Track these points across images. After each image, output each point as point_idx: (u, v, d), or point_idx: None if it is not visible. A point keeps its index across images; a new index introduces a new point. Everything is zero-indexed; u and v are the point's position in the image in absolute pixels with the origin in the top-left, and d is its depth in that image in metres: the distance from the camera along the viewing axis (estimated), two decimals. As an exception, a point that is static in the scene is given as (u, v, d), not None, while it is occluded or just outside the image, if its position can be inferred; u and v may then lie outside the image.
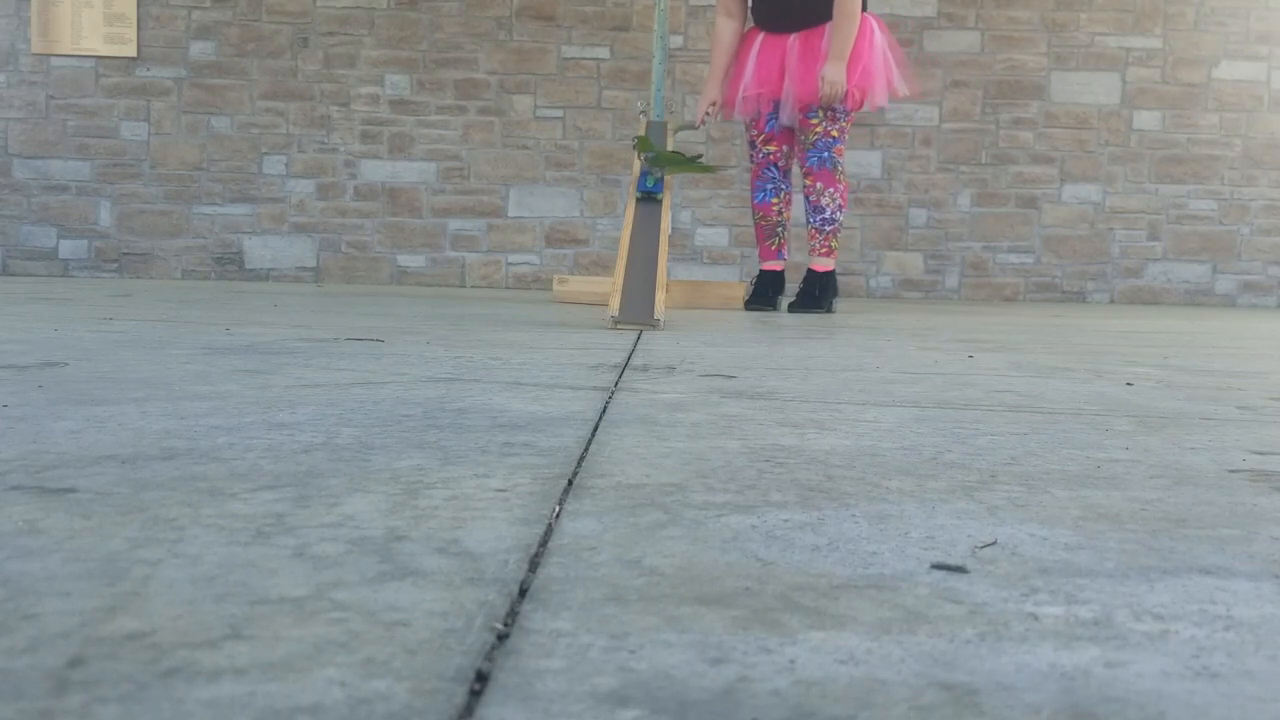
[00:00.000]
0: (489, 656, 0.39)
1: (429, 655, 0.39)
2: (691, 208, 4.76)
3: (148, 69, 4.63)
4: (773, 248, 3.37)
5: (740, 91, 3.26)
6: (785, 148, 3.31)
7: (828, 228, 3.27)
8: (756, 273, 3.45)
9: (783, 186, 3.34)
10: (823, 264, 3.28)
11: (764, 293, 3.34)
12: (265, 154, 4.68)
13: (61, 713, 0.34)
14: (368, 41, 4.67)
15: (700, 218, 4.77)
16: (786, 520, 0.61)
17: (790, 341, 1.98)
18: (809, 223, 3.30)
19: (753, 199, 3.37)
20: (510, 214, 4.75)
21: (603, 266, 4.66)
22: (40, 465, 0.71)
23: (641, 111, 3.40)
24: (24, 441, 0.79)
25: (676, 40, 4.65)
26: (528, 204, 4.75)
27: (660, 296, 2.41)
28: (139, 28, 4.60)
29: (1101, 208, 4.83)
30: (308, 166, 4.69)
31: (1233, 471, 0.79)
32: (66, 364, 1.29)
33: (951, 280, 4.84)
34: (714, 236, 4.77)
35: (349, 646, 0.40)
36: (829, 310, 3.26)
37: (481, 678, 0.37)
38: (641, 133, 2.95)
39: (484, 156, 4.72)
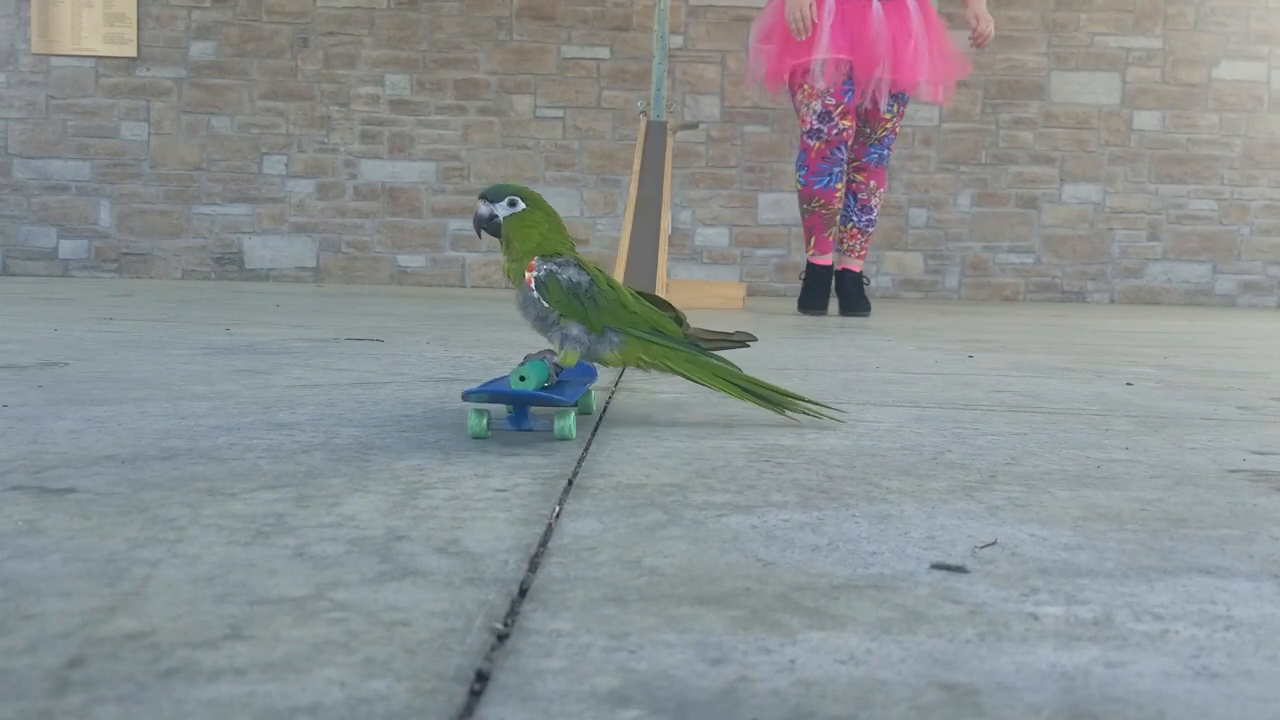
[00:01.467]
0: (489, 656, 0.39)
1: (429, 655, 0.39)
2: (691, 208, 4.76)
3: (148, 69, 4.63)
4: (830, 239, 3.00)
5: (817, 54, 2.77)
6: (855, 125, 2.90)
7: (870, 230, 3.02)
8: (804, 267, 3.06)
9: (844, 170, 2.92)
10: (859, 265, 3.04)
11: (821, 292, 2.99)
12: (265, 154, 4.67)
13: (61, 713, 0.34)
14: (368, 41, 4.67)
15: (700, 218, 4.76)
16: (786, 520, 0.61)
17: (790, 341, 1.98)
18: (853, 222, 2.99)
19: (810, 184, 2.90)
20: (510, 214, 4.74)
21: (602, 267, 4.66)
22: (40, 465, 0.71)
23: (641, 111, 3.40)
24: (24, 441, 0.79)
25: (676, 40, 4.65)
26: (528, 204, 4.74)
27: (660, 297, 2.41)
28: (139, 28, 4.60)
29: (1101, 208, 4.83)
30: (308, 166, 4.69)
31: (1233, 471, 0.79)
32: (66, 364, 1.29)
33: (951, 280, 4.83)
34: (714, 236, 4.77)
35: (349, 646, 0.40)
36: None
37: (481, 678, 0.37)
38: (555, 243, 0.98)
39: (484, 156, 4.72)
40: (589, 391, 1.00)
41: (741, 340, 0.97)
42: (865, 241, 3.03)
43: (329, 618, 0.43)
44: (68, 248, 4.66)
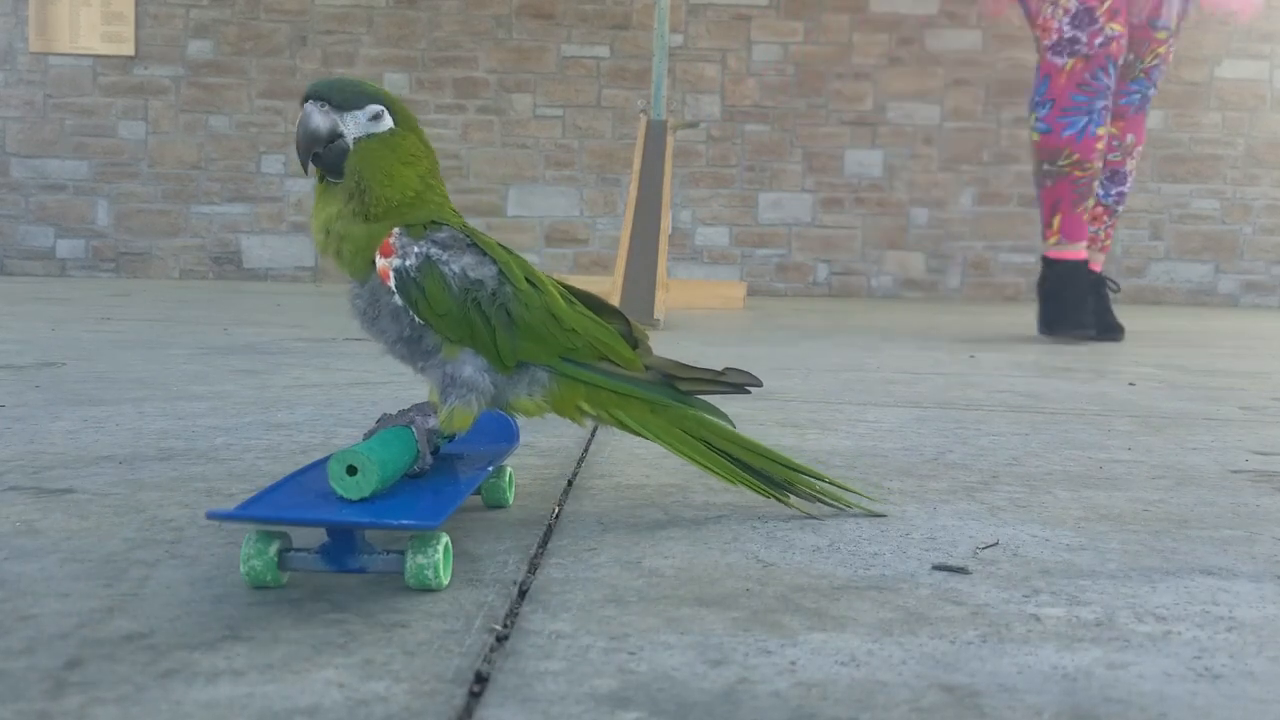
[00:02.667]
0: (488, 658, 0.39)
1: (428, 657, 0.39)
2: (691, 207, 4.76)
3: (145, 68, 4.63)
4: (1085, 216, 1.98)
5: None
6: (1127, 39, 1.96)
7: (1119, 209, 2.10)
8: (1042, 265, 2.05)
9: (1110, 108, 1.94)
10: (1100, 260, 2.10)
11: (1078, 301, 2.00)
12: (263, 153, 4.67)
13: (59, 714, 0.33)
14: (366, 40, 4.67)
15: (700, 217, 4.76)
16: (787, 521, 0.61)
17: (790, 342, 1.98)
18: (1097, 196, 2.04)
19: (1055, 129, 1.92)
20: (510, 213, 4.75)
21: (603, 266, 4.66)
22: (38, 466, 0.71)
23: (642, 110, 3.39)
24: (21, 442, 0.79)
25: (677, 39, 4.65)
26: (527, 203, 4.75)
27: (660, 296, 2.41)
28: (137, 26, 4.60)
29: (1101, 207, 4.83)
30: (307, 166, 4.69)
31: (1235, 472, 0.79)
32: (64, 364, 1.29)
33: (953, 280, 4.83)
34: (714, 236, 4.77)
35: (347, 648, 0.39)
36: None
37: (481, 679, 0.37)
38: None
39: (483, 156, 4.72)
40: (501, 471, 0.62)
41: (738, 384, 0.63)
42: (1111, 228, 2.09)
43: (327, 619, 0.43)
44: (65, 247, 4.66)
